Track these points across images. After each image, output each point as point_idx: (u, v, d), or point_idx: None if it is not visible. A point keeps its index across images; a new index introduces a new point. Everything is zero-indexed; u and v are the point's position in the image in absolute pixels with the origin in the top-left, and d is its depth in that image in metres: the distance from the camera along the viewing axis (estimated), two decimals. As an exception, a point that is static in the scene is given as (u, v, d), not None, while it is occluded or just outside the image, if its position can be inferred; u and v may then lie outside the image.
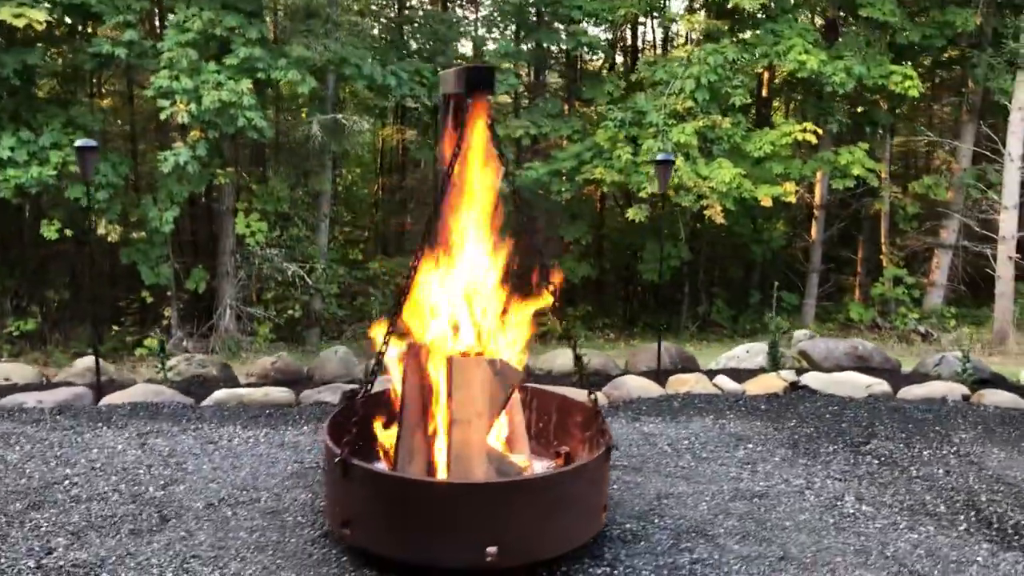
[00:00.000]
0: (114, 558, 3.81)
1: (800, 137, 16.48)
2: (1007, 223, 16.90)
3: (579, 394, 5.78)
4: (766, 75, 19.89)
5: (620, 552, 3.78)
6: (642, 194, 16.29)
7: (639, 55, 21.81)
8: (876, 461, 4.94)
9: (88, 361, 6.48)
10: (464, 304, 4.03)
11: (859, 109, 18.86)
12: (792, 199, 17.04)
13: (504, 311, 4.08)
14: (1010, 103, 16.86)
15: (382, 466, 3.96)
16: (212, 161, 14.49)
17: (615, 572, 3.61)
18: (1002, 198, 17.04)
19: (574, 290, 21.66)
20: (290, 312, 17.62)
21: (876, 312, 19.24)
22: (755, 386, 6.22)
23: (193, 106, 13.11)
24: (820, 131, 16.75)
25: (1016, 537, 4.03)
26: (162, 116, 13.60)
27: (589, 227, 19.53)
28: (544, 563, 3.58)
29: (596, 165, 17.42)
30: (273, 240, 16.03)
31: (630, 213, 16.89)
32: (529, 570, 3.54)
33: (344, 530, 3.62)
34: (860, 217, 20.63)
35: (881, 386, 6.17)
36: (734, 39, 17.19)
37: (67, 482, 4.50)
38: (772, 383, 6.20)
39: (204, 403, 5.72)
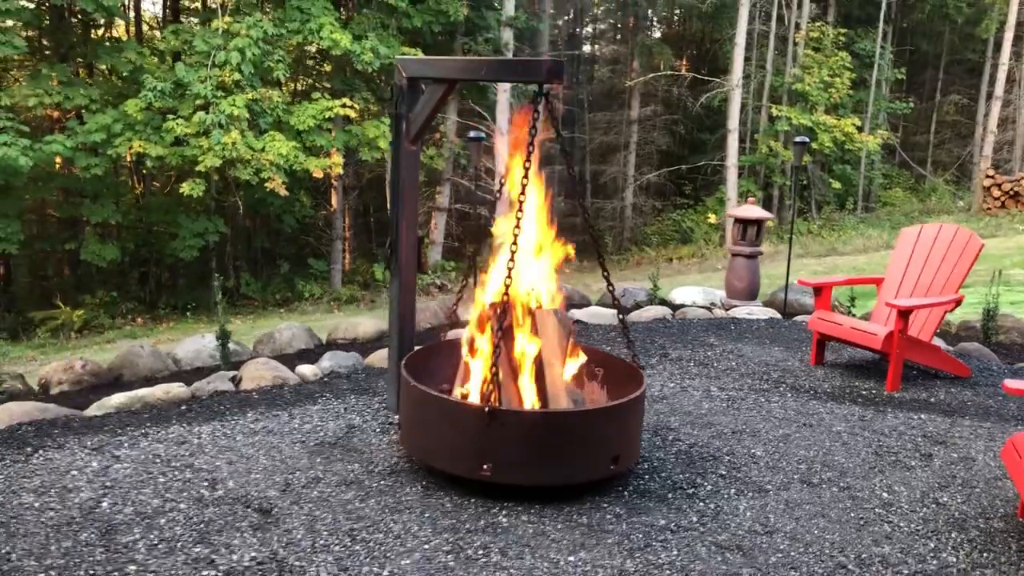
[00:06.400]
0: (285, 554, 3.45)
1: (340, 112, 17.56)
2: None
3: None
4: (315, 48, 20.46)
5: (642, 453, 4.73)
6: (200, 168, 15.82)
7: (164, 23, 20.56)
8: (691, 364, 6.48)
9: None
10: (525, 266, 4.46)
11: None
12: (340, 170, 18.10)
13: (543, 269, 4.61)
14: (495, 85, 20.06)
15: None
16: None
17: (655, 466, 4.56)
18: (496, 165, 20.23)
19: (92, 276, 19.90)
20: None
21: (396, 271, 21.30)
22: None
23: None
24: (357, 106, 18.02)
25: (822, 395, 5.93)
26: None
27: (116, 206, 18.10)
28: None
29: (130, 138, 16.36)
30: None
31: (184, 188, 16.27)
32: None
33: (483, 472, 3.96)
34: (361, 186, 22.58)
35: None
36: (267, 14, 17.47)
37: (103, 505, 3.70)
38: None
39: (95, 412, 4.85)
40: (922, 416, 5.57)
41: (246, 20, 16.55)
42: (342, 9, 19.19)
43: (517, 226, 4.12)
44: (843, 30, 25.79)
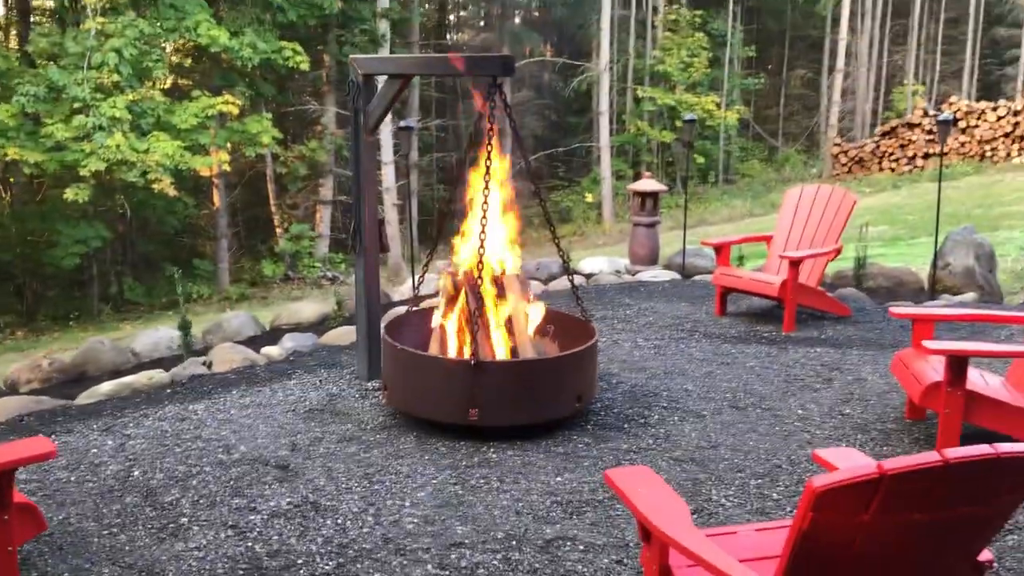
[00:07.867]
0: (315, 497, 3.93)
1: (222, 108, 17.49)
2: (388, 176, 20.57)
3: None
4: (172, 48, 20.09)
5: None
6: (83, 172, 15.52)
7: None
8: (615, 321, 7.19)
9: None
10: (490, 239, 5.00)
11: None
12: (228, 167, 18.04)
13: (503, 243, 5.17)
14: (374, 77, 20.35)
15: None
16: None
17: (607, 404, 5.25)
18: (381, 155, 20.56)
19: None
20: None
21: (285, 266, 21.33)
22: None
23: None
24: (239, 103, 17.98)
25: (731, 339, 6.74)
26: None
27: (-9, 216, 17.48)
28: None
29: (3, 145, 15.86)
30: None
31: (68, 193, 15.89)
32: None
33: (471, 417, 4.52)
34: (242, 183, 22.45)
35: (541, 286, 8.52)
36: (142, 13, 17.20)
37: (135, 474, 4.03)
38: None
39: (86, 400, 5.09)
40: (817, 349, 6.48)
41: (120, 19, 16.28)
42: (216, 5, 19.03)
43: (485, 202, 4.69)
44: (698, 12, 27.27)
